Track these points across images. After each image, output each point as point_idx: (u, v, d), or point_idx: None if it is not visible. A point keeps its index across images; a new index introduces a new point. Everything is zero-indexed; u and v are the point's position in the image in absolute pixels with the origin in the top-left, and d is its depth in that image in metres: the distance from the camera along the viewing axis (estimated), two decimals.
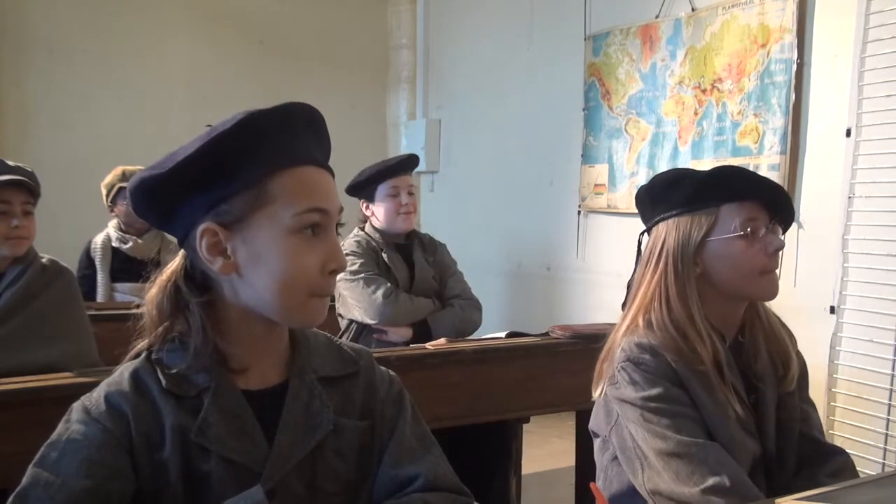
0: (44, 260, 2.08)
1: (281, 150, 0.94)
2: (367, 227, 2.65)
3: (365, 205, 2.66)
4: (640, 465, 1.29)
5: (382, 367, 1.13)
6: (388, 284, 2.48)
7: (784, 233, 1.40)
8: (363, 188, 2.65)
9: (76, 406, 0.95)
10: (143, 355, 0.98)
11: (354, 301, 2.50)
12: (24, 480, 0.90)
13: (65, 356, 1.92)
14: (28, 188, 1.98)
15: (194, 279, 0.98)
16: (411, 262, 2.61)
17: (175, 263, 1.00)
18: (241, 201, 0.93)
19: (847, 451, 1.42)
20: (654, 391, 1.28)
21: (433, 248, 2.71)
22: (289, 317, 0.98)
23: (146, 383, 0.95)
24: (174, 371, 0.95)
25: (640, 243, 1.46)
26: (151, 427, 0.93)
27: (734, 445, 1.28)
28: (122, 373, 0.97)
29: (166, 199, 0.95)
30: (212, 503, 0.92)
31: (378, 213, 2.61)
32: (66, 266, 2.15)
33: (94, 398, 0.94)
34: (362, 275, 2.49)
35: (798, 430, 1.39)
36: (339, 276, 2.77)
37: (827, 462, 1.37)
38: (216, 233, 0.94)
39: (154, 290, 0.99)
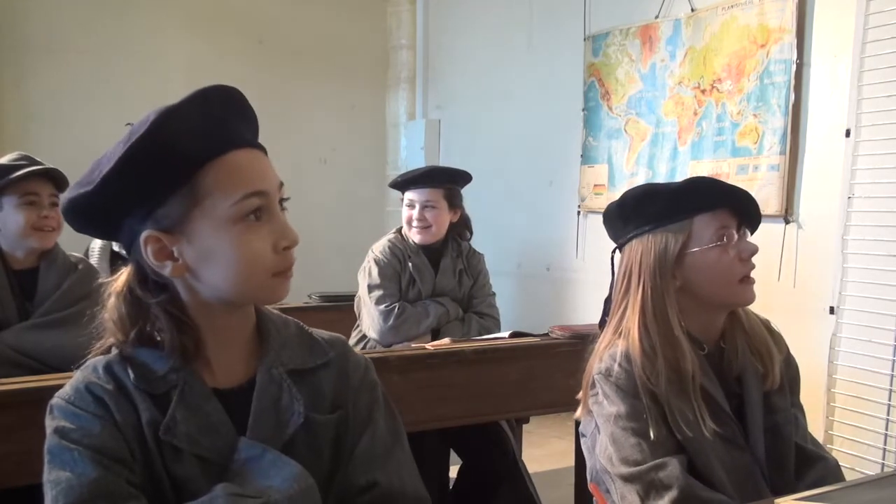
0: (73, 260, 2.18)
1: (204, 141, 0.92)
2: (403, 228, 2.71)
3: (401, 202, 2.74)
4: (611, 479, 1.32)
5: (358, 354, 1.12)
6: (396, 308, 2.54)
7: (751, 235, 1.41)
8: (397, 188, 2.75)
9: (56, 405, 0.93)
10: (115, 353, 0.97)
11: (368, 318, 2.60)
12: (44, 489, 0.89)
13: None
14: (55, 180, 2.08)
15: (148, 282, 0.97)
16: (438, 268, 2.67)
17: (127, 271, 0.99)
18: (177, 203, 0.92)
19: (847, 451, 1.42)
20: (623, 408, 1.30)
21: (468, 258, 2.76)
22: (252, 298, 0.99)
23: (120, 378, 0.95)
24: (143, 368, 0.94)
25: (612, 261, 1.45)
26: (133, 420, 0.93)
27: (710, 462, 1.28)
28: (96, 367, 0.96)
29: (100, 214, 0.94)
30: (187, 499, 0.92)
31: (402, 216, 2.70)
32: (93, 265, 2.26)
33: (73, 392, 0.93)
34: (375, 293, 2.57)
35: (791, 433, 1.38)
36: (362, 285, 2.80)
37: (809, 470, 1.37)
38: (159, 239, 0.93)
39: (112, 298, 0.98)
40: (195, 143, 0.91)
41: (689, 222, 1.35)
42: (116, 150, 0.91)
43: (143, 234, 0.93)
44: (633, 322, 1.35)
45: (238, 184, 0.93)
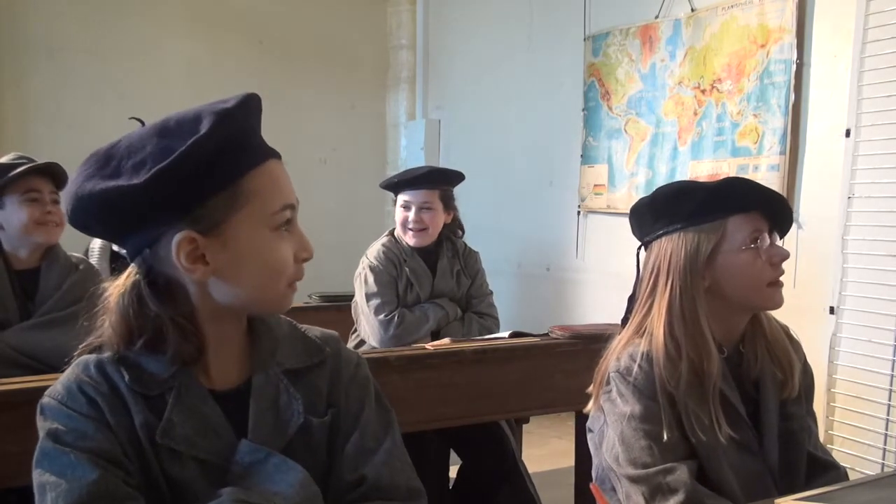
0: (74, 260, 2.16)
1: (248, 147, 0.93)
2: (397, 230, 2.65)
3: (394, 203, 2.69)
4: (617, 477, 1.32)
5: (349, 350, 1.11)
6: (395, 317, 2.50)
7: (781, 239, 1.40)
8: (390, 190, 2.68)
9: (48, 406, 0.92)
10: (109, 354, 0.95)
11: (368, 327, 2.56)
12: (36, 492, 0.89)
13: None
14: (54, 177, 2.10)
15: (157, 287, 0.94)
16: (435, 270, 2.63)
17: (131, 275, 0.95)
18: (218, 205, 0.91)
19: (847, 451, 1.42)
20: (637, 409, 1.29)
21: (465, 257, 2.72)
22: (267, 307, 1.00)
23: (113, 379, 0.93)
24: (138, 371, 0.93)
25: (637, 258, 1.43)
26: (126, 422, 0.91)
27: (722, 467, 1.28)
28: (88, 366, 0.94)
29: (136, 210, 0.89)
30: (186, 501, 0.91)
31: (395, 218, 2.65)
32: (94, 265, 2.27)
33: (65, 393, 0.92)
34: (374, 302, 2.53)
35: (805, 441, 1.38)
36: (358, 293, 2.77)
37: (820, 477, 1.36)
38: (194, 240, 0.90)
39: (114, 298, 0.95)
40: (246, 148, 0.92)
41: (723, 223, 1.33)
42: (144, 141, 0.90)
43: (179, 236, 0.90)
44: (658, 321, 1.33)
45: (277, 194, 0.94)
